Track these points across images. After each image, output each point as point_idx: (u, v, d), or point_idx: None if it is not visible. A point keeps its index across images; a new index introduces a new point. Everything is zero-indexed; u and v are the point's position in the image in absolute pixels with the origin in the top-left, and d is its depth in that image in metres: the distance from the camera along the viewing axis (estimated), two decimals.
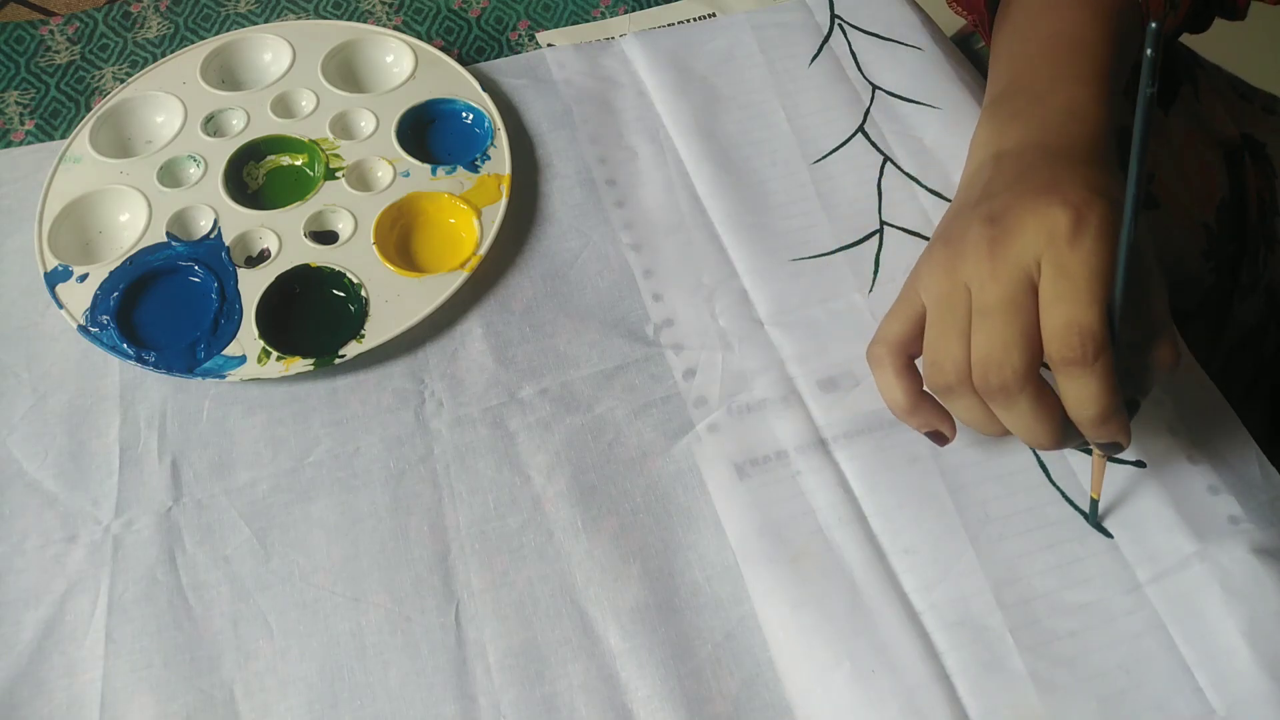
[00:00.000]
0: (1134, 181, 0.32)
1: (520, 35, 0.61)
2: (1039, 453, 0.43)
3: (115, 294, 0.48)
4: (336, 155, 0.53)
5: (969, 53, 0.67)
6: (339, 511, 0.43)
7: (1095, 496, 0.40)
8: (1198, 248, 0.58)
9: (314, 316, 0.48)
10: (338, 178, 0.52)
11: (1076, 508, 0.42)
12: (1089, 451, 0.41)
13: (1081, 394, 0.35)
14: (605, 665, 0.39)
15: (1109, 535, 0.41)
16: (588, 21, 0.61)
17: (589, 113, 0.56)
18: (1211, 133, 0.60)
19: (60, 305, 0.47)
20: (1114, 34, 0.46)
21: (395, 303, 0.47)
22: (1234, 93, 0.64)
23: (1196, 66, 0.62)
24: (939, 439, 0.41)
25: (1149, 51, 0.28)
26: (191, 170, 0.53)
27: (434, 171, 0.52)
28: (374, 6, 0.62)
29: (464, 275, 0.48)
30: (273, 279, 0.48)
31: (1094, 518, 0.41)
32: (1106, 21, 0.46)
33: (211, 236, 0.50)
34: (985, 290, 0.36)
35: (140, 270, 0.48)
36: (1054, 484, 0.42)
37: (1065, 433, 0.36)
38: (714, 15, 0.60)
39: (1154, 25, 0.28)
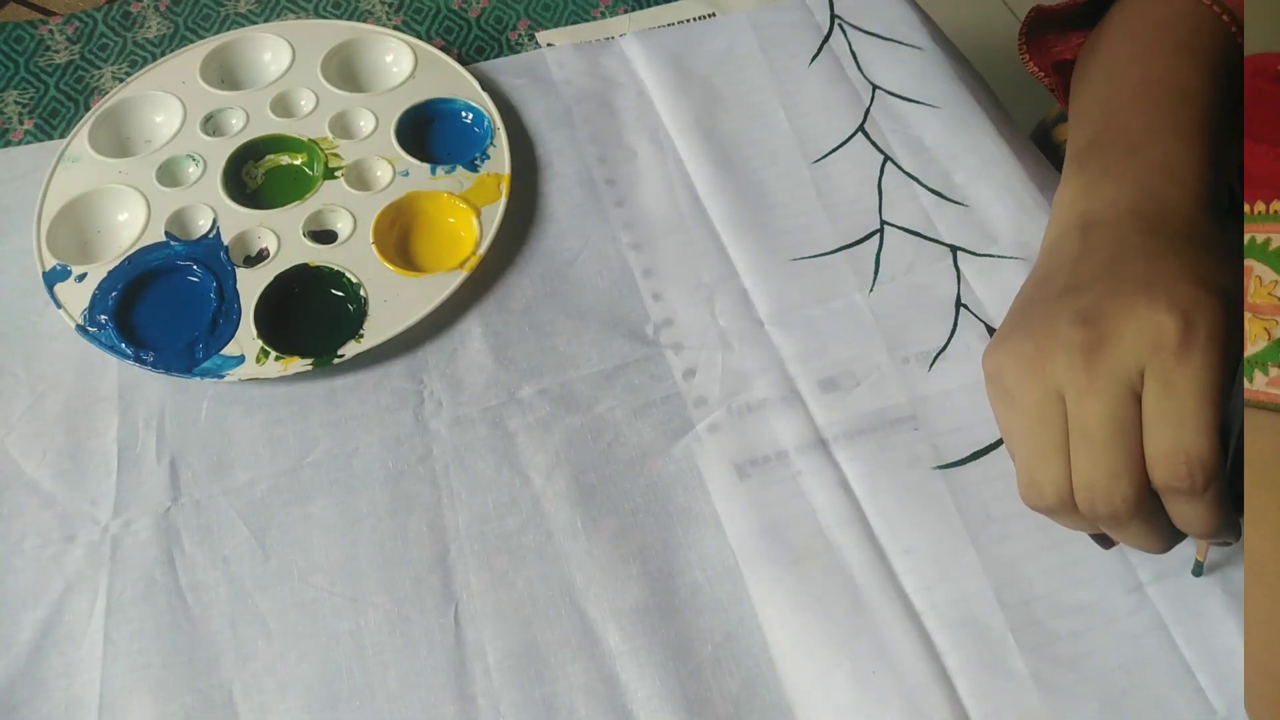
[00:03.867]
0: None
1: (520, 35, 0.61)
2: None
3: (114, 293, 0.47)
4: (336, 155, 0.53)
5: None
6: (338, 512, 0.43)
7: (1201, 559, 0.39)
8: None
9: (313, 316, 0.48)
10: (337, 177, 0.52)
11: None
12: None
13: (1189, 516, 0.32)
14: (605, 666, 0.39)
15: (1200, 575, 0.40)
16: (588, 21, 0.61)
17: (589, 112, 0.56)
18: None
19: (58, 305, 0.47)
20: (1214, 80, 0.41)
21: (394, 302, 0.47)
22: None
23: None
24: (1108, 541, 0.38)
25: None
26: (190, 170, 0.53)
27: (433, 171, 0.52)
28: (374, 6, 0.62)
29: (463, 275, 0.48)
30: (271, 279, 0.48)
31: (1199, 573, 0.40)
32: (1205, 67, 0.41)
33: (210, 236, 0.50)
34: (1083, 405, 0.33)
35: (139, 270, 0.48)
36: None
37: (1175, 538, 0.35)
38: (714, 15, 0.60)
39: None
